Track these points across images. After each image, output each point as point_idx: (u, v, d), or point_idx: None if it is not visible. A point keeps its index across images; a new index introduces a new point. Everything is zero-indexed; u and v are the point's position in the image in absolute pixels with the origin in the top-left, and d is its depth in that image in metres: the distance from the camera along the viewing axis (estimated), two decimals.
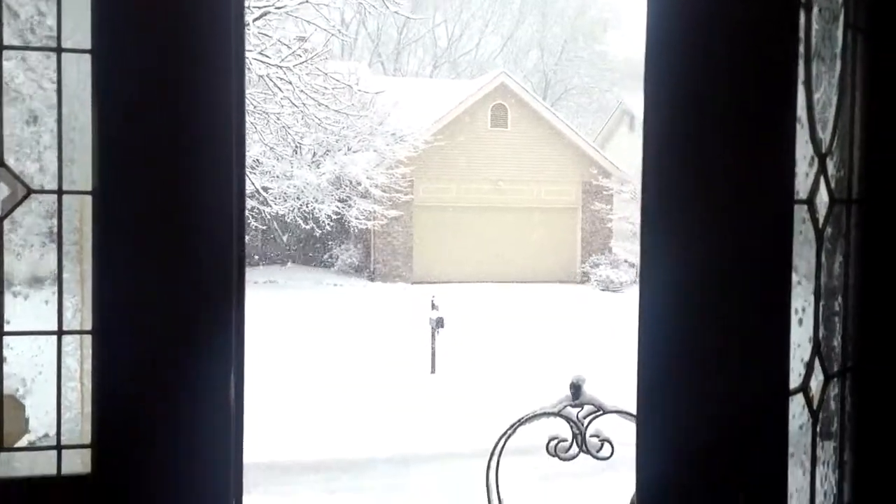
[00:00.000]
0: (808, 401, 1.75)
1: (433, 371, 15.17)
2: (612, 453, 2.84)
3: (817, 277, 1.75)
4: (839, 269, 1.84)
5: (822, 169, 1.77)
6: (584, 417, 2.83)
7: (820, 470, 1.77)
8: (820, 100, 1.74)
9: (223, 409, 1.36)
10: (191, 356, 1.37)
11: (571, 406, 2.84)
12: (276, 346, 16.49)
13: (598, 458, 2.85)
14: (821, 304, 1.78)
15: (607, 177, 29.24)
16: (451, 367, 15.35)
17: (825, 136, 1.79)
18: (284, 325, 19.09)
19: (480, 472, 9.57)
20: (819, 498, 1.73)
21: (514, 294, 24.76)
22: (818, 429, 1.76)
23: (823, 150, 1.78)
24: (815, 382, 1.78)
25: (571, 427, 2.85)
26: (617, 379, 13.08)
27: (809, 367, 1.74)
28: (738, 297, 1.54)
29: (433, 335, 15.51)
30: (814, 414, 1.76)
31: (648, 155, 1.59)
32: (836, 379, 1.84)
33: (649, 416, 1.58)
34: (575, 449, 2.83)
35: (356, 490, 9.19)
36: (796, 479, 1.66)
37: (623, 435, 2.99)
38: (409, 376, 14.76)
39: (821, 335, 1.79)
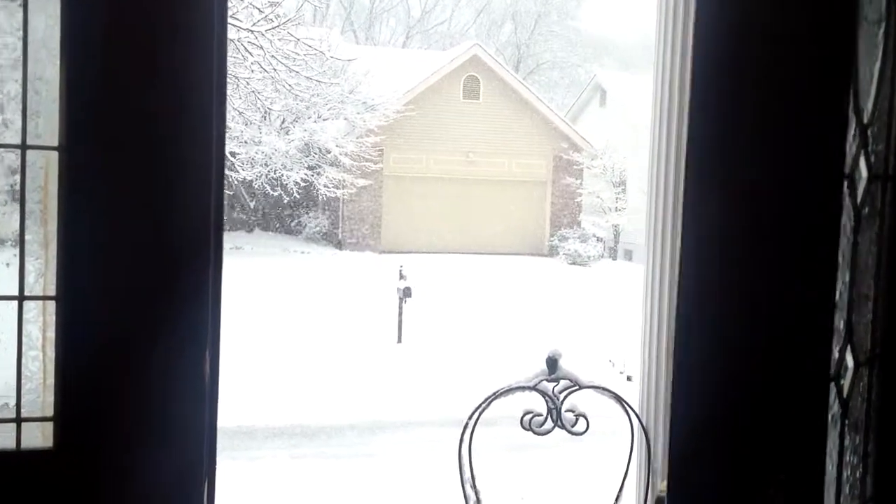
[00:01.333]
0: (839, 390, 1.67)
1: (400, 340, 15.12)
2: (587, 428, 2.80)
3: (853, 258, 1.66)
4: (873, 249, 1.74)
5: (864, 142, 1.67)
6: (560, 392, 2.79)
7: (848, 462, 1.70)
8: (863, 67, 1.64)
9: (197, 382, 1.27)
10: (163, 326, 1.28)
11: (547, 380, 2.79)
12: (242, 313, 16.35)
13: (572, 433, 2.81)
14: (854, 287, 1.68)
15: (578, 151, 29.23)
16: (418, 337, 15.31)
17: (867, 106, 1.70)
18: (250, 291, 18.92)
19: (447, 440, 9.54)
20: (844, 491, 1.68)
21: (483, 266, 24.75)
22: (847, 420, 1.69)
23: (865, 121, 1.68)
24: (846, 370, 1.69)
25: (547, 401, 2.81)
26: (584, 351, 13.15)
27: (841, 354, 1.66)
28: (783, 265, 1.45)
29: (400, 305, 15.45)
30: (843, 404, 1.68)
31: (695, 107, 1.48)
32: (864, 367, 1.75)
33: (685, 391, 1.49)
34: (549, 423, 2.79)
35: (322, 457, 9.14)
36: (826, 471, 1.59)
37: (598, 410, 2.95)
38: (375, 345, 14.70)
39: (853, 321, 1.70)
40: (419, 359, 13.82)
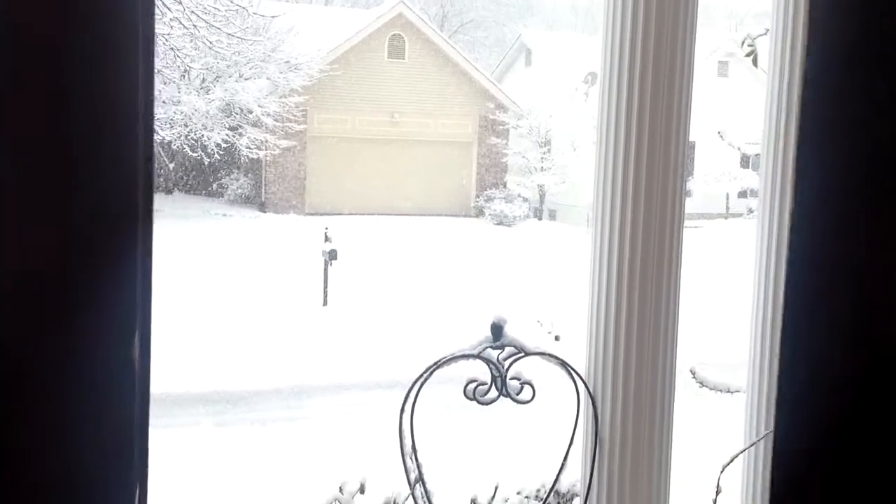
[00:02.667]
0: None
1: (325, 303, 14.94)
2: (533, 396, 2.69)
3: None
4: None
5: None
6: (505, 360, 2.66)
7: None
8: None
9: (124, 371, 1.07)
10: (82, 308, 1.08)
11: (492, 348, 2.66)
12: (162, 276, 15.91)
13: (518, 402, 2.69)
14: None
15: (504, 111, 29.13)
16: (344, 300, 15.13)
17: None
18: (169, 255, 18.44)
19: (375, 403, 9.44)
20: None
21: (409, 227, 24.59)
22: None
23: None
24: None
25: (491, 369, 2.68)
26: (511, 312, 13.15)
27: None
28: None
29: (326, 267, 15.24)
30: None
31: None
32: None
33: (795, 356, 1.34)
34: (494, 392, 2.66)
35: (248, 423, 8.96)
36: None
37: (544, 377, 2.84)
38: (300, 309, 14.49)
39: None
40: (345, 322, 13.67)
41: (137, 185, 1.08)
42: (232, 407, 9.71)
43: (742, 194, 28.04)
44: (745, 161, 26.80)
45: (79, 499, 1.05)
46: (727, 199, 27.61)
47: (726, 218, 26.75)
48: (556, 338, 12.18)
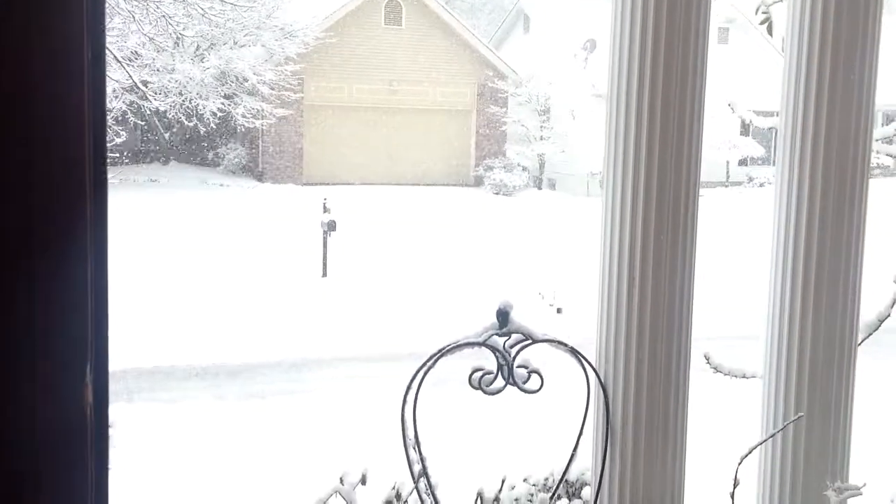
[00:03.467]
0: None
1: (325, 275, 14.83)
2: (541, 385, 2.57)
3: None
4: None
5: None
6: (512, 347, 2.54)
7: None
8: None
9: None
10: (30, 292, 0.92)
11: (498, 335, 2.54)
12: (159, 248, 15.79)
13: (525, 391, 2.57)
14: None
15: (502, 79, 28.85)
16: (344, 271, 15.02)
17: None
18: (168, 225, 18.30)
19: (376, 376, 9.33)
20: None
21: (408, 197, 24.43)
22: None
23: None
24: None
25: (497, 357, 2.56)
26: (512, 284, 13.05)
27: None
28: None
29: (325, 238, 15.11)
30: None
31: None
32: None
33: None
34: (500, 381, 2.54)
35: (246, 396, 8.87)
36: None
37: (552, 365, 2.73)
38: (299, 280, 14.38)
39: None
40: (345, 293, 13.57)
41: (84, 151, 0.92)
42: (231, 379, 9.63)
43: (742, 162, 27.85)
44: (745, 129, 26.57)
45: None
46: (727, 167, 27.43)
47: (727, 186, 26.58)
48: (559, 310, 12.07)
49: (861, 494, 2.45)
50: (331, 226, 15.26)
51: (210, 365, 10.08)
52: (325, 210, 15.72)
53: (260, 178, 27.14)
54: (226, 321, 11.75)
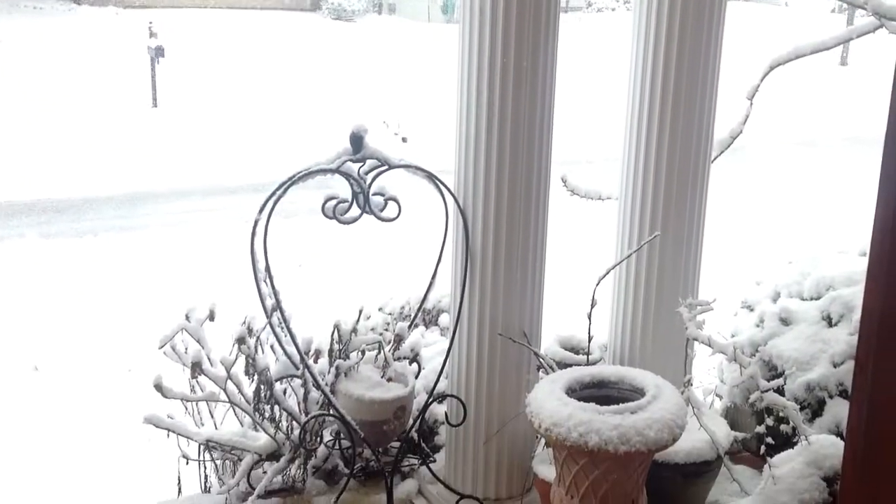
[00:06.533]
0: None
1: (155, 105, 14.04)
2: (398, 213, 2.45)
3: None
4: None
5: None
6: (367, 174, 2.40)
7: None
8: None
9: None
10: None
11: (352, 161, 2.38)
12: None
13: (381, 220, 2.46)
14: None
15: None
16: (175, 101, 14.24)
17: None
18: None
19: (216, 209, 9.02)
20: None
21: (240, 22, 23.18)
22: None
23: None
24: None
25: (352, 185, 2.41)
26: (356, 112, 12.73)
27: None
28: None
29: (153, 65, 14.19)
30: None
31: None
32: None
33: None
34: (356, 210, 2.41)
35: (76, 234, 8.39)
36: None
37: (409, 192, 2.61)
38: (128, 110, 13.56)
39: None
40: (177, 124, 12.91)
41: None
42: (59, 216, 9.09)
43: None
44: None
45: None
46: None
47: (566, 12, 26.55)
48: (404, 139, 11.90)
49: (712, 310, 2.51)
50: (159, 52, 14.32)
51: (35, 201, 9.47)
52: (152, 35, 14.69)
53: (77, 0, 25.06)
54: (50, 154, 11.01)
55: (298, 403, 2.74)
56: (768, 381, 2.56)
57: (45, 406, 4.57)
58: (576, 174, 3.00)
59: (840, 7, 23.87)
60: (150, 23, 15.32)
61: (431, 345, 3.11)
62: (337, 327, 2.66)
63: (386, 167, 2.43)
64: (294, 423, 2.74)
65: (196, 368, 2.60)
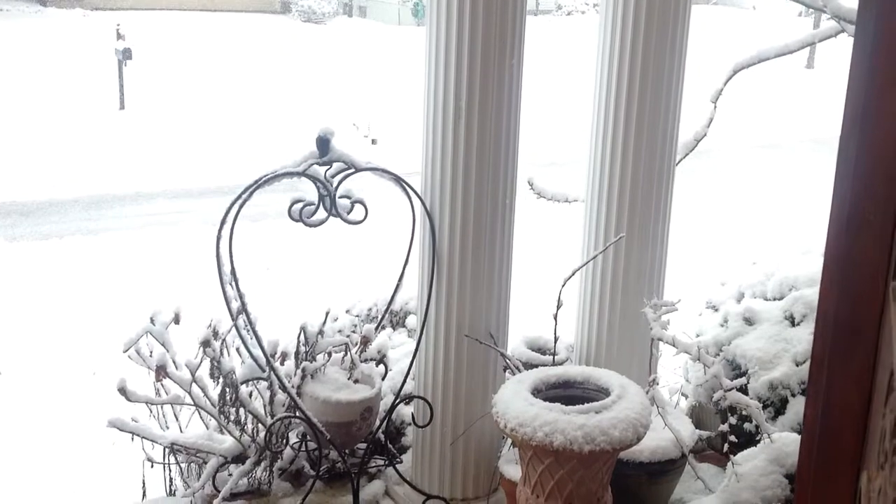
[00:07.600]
0: None
1: (122, 107, 13.91)
2: (365, 216, 2.45)
3: None
4: None
5: None
6: (333, 177, 2.39)
7: None
8: None
9: None
10: None
11: (318, 164, 2.38)
12: None
13: (348, 222, 2.45)
14: None
15: None
16: (143, 103, 14.12)
17: None
18: None
19: (183, 212, 8.95)
20: None
21: (209, 24, 23.04)
22: None
23: None
24: None
25: (318, 188, 2.40)
26: (325, 115, 12.70)
27: None
28: None
29: (120, 68, 14.06)
30: None
31: None
32: None
33: None
34: (323, 213, 2.41)
35: (41, 237, 8.30)
36: None
37: (376, 196, 2.61)
38: (95, 113, 13.42)
39: None
40: (145, 126, 12.80)
41: None
42: (24, 219, 8.99)
43: None
44: None
45: None
46: None
47: (535, 15, 26.67)
48: (374, 141, 11.89)
49: (677, 310, 2.53)
50: (126, 54, 14.19)
51: (0, 203, 9.36)
52: (119, 37, 14.56)
53: (44, 2, 24.81)
54: (15, 157, 10.88)
55: (264, 406, 2.73)
56: (732, 380, 2.59)
57: (8, 409, 4.51)
58: (543, 176, 3.01)
59: (807, 11, 24.17)
60: (118, 25, 15.19)
61: (398, 346, 3.11)
62: (303, 329, 2.66)
63: (352, 170, 2.43)
64: (260, 425, 2.73)
65: (161, 371, 2.59)
